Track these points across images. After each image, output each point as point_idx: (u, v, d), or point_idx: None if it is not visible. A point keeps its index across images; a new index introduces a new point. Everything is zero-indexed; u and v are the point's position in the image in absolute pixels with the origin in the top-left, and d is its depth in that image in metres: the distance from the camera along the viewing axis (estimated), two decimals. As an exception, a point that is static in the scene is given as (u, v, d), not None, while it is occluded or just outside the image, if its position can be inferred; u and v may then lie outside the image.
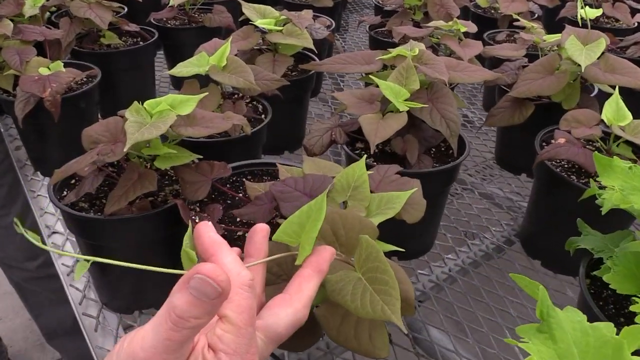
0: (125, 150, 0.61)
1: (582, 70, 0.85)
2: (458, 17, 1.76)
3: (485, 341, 0.79)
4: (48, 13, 1.38)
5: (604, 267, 0.59)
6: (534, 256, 0.93)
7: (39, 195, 1.08)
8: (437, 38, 1.13)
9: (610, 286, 0.57)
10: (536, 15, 1.57)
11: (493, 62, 1.21)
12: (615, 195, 0.54)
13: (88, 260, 0.41)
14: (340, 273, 0.49)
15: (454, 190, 1.13)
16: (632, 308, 0.54)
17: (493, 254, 0.95)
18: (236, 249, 0.46)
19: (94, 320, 0.78)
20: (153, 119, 0.67)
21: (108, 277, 0.79)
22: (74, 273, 0.86)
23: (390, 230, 0.62)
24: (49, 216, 1.02)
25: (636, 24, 1.52)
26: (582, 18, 0.90)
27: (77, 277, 0.75)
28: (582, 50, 0.88)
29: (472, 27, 1.14)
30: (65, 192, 0.76)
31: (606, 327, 0.31)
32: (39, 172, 1.13)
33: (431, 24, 1.14)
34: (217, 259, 0.40)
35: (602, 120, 0.82)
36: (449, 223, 1.02)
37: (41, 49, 1.14)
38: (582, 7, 0.89)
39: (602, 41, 0.89)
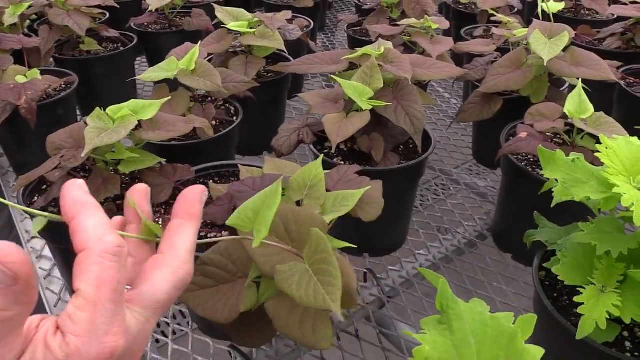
0: (83, 155, 0.63)
1: (545, 64, 0.86)
2: (441, 14, 1.78)
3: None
4: (29, 21, 1.40)
5: (554, 259, 0.60)
6: (505, 250, 0.94)
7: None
8: (409, 36, 1.14)
9: (558, 278, 0.58)
10: (516, 9, 1.57)
11: (468, 58, 1.22)
12: (558, 188, 0.55)
13: (45, 217, 0.38)
14: (290, 264, 0.51)
15: (430, 186, 1.14)
16: (575, 299, 0.55)
17: (465, 248, 0.96)
18: (118, 217, 0.41)
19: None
20: (115, 125, 0.69)
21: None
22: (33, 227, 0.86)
23: (359, 227, 0.63)
24: (29, 221, 1.04)
25: (614, 16, 1.52)
26: (543, 11, 0.91)
27: (34, 231, 0.73)
28: (546, 44, 0.89)
29: (444, 24, 1.14)
30: (35, 198, 0.78)
31: (505, 318, 0.32)
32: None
33: (403, 21, 1.15)
34: (77, 222, 0.33)
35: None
36: (421, 219, 1.03)
37: (21, 57, 1.16)
38: (543, 1, 0.90)
39: (566, 34, 0.89)
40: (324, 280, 0.48)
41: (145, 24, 1.44)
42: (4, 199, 1.21)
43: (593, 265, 0.56)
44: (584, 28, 1.40)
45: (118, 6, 1.41)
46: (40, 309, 1.14)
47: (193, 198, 0.40)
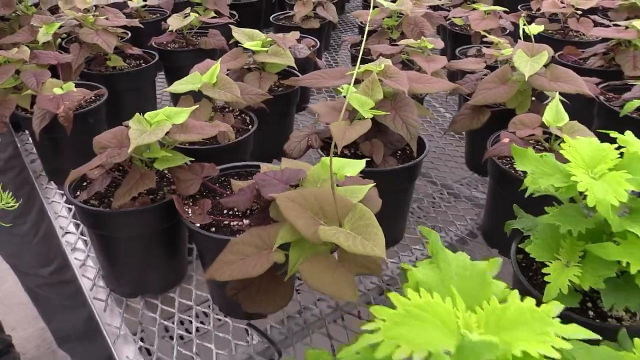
0: (129, 151, 0.74)
1: (526, 79, 0.97)
2: (439, 34, 1.90)
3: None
4: (59, 39, 1.53)
5: (527, 241, 0.71)
6: (492, 245, 1.04)
7: (53, 201, 1.21)
8: (407, 54, 1.26)
9: (530, 256, 0.69)
10: (508, 31, 1.70)
11: (461, 75, 1.34)
12: (528, 178, 0.66)
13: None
14: (333, 227, 0.62)
15: (426, 190, 1.25)
16: (543, 270, 0.66)
17: (457, 245, 1.07)
18: None
19: (103, 302, 0.90)
20: (152, 128, 0.80)
21: (114, 266, 0.91)
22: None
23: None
24: (62, 219, 1.15)
25: (599, 38, 1.64)
26: (524, 33, 1.02)
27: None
28: (528, 62, 1.01)
29: (439, 44, 1.26)
30: (78, 193, 0.89)
31: (480, 264, 0.43)
32: (52, 182, 1.26)
33: (402, 42, 1.27)
34: None
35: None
36: (418, 218, 1.14)
37: (54, 71, 1.28)
38: (524, 24, 1.02)
39: (545, 53, 1.01)
40: (368, 237, 0.60)
41: (165, 42, 1.56)
42: (36, 202, 1.33)
43: (559, 244, 0.67)
44: (569, 48, 1.52)
45: (142, 26, 1.54)
46: (78, 294, 1.24)
47: None
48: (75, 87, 1.19)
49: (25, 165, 1.40)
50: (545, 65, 1.06)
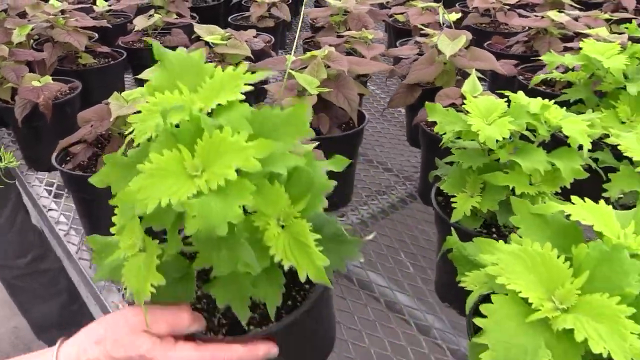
0: (111, 120, 0.88)
1: (447, 58, 1.15)
2: (386, 31, 2.08)
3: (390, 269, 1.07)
4: (31, 40, 1.64)
5: (442, 181, 0.88)
6: (426, 203, 1.21)
7: (34, 185, 1.33)
8: (350, 44, 1.42)
9: (444, 191, 0.85)
10: (445, 25, 1.88)
11: (397, 61, 1.51)
12: (437, 127, 0.82)
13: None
14: None
15: (370, 164, 1.41)
16: (452, 200, 0.82)
17: (397, 204, 1.23)
18: None
19: (87, 261, 1.03)
20: (129, 103, 0.94)
21: (97, 228, 1.04)
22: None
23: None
24: (44, 199, 1.27)
25: (525, 28, 1.85)
26: (445, 21, 1.20)
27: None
28: (449, 44, 1.18)
29: (378, 35, 1.44)
30: (63, 165, 1.02)
31: (196, 55, 0.57)
32: (32, 168, 1.38)
33: (346, 33, 1.44)
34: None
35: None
36: (364, 185, 1.30)
37: (30, 68, 1.39)
38: (443, 14, 1.20)
39: (463, 37, 1.19)
40: None
41: (131, 42, 1.69)
42: (10, 197, 1.45)
43: (465, 180, 0.83)
44: (496, 38, 1.72)
45: (110, 26, 1.66)
46: (53, 283, 1.36)
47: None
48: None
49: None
50: (467, 48, 1.24)
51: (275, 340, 0.59)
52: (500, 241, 0.56)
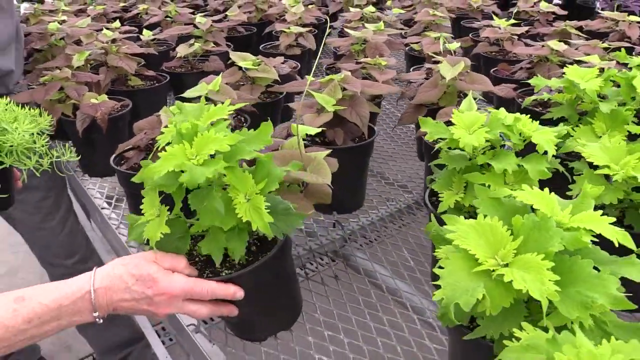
0: (162, 129, 1.07)
1: (447, 81, 1.32)
2: (404, 58, 2.26)
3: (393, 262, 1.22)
4: (88, 65, 1.87)
5: (433, 182, 1.04)
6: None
7: (88, 188, 1.53)
8: (366, 69, 1.61)
9: (438, 193, 1.01)
10: (455, 53, 2.06)
11: (408, 84, 1.69)
12: (427, 135, 0.99)
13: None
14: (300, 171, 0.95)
15: (382, 177, 1.58)
16: (440, 197, 0.98)
17: (404, 210, 1.39)
18: None
19: (136, 249, 1.22)
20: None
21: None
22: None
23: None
24: (97, 199, 1.47)
25: (532, 56, 2.00)
26: (446, 49, 1.37)
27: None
28: (450, 69, 1.35)
29: (391, 61, 1.61)
30: (118, 167, 1.21)
31: (206, 106, 0.75)
32: (86, 175, 1.59)
33: (362, 60, 1.62)
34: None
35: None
36: (375, 193, 1.46)
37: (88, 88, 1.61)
38: (444, 43, 1.37)
39: (462, 63, 1.36)
40: (319, 174, 0.95)
41: (174, 67, 1.91)
42: (64, 201, 1.69)
43: (452, 180, 0.99)
44: (502, 65, 1.88)
45: (156, 53, 1.89)
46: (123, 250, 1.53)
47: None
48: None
49: (55, 170, 1.72)
50: (467, 72, 1.41)
51: (241, 281, 0.83)
52: (462, 216, 0.72)
